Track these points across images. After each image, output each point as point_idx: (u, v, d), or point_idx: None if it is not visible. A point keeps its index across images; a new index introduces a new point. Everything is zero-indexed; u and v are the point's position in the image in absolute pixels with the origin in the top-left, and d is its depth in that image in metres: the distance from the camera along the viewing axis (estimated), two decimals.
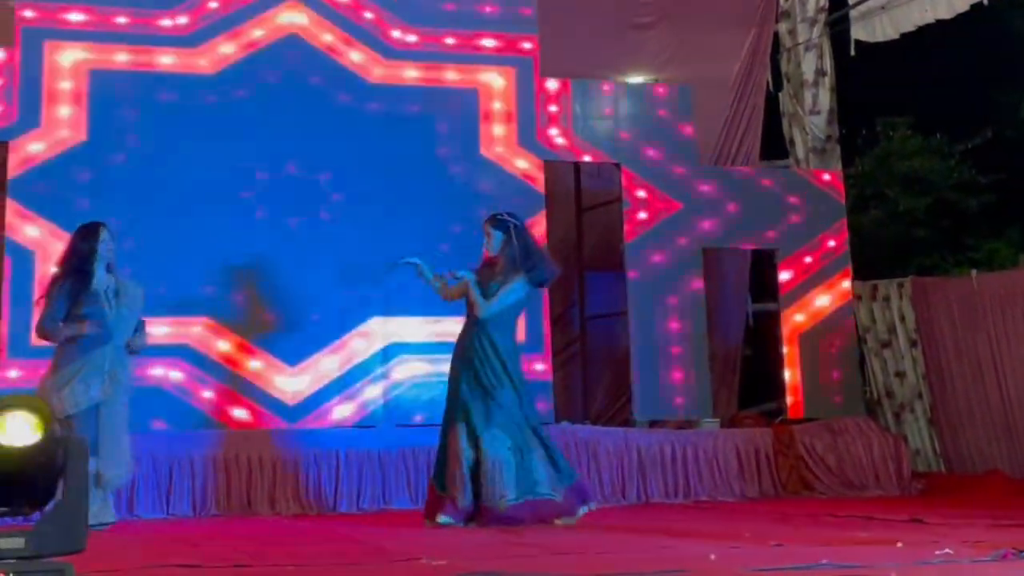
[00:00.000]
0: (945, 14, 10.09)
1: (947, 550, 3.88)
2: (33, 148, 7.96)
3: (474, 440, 6.08)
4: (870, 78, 12.77)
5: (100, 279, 6.29)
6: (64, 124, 8.04)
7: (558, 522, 5.96)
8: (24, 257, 7.81)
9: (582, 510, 6.09)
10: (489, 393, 6.15)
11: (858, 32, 10.82)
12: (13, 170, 7.92)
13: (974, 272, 9.99)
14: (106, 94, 8.13)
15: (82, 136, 8.05)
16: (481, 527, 5.88)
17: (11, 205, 7.86)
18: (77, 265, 6.27)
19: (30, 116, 7.99)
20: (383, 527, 6.18)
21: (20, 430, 2.75)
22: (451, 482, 6.07)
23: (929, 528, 5.34)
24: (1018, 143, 14.25)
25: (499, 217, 6.54)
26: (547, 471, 6.09)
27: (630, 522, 6.21)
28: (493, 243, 6.46)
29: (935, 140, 14.72)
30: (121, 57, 8.24)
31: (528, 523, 5.85)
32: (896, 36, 10.59)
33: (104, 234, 6.35)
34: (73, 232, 6.50)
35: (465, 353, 6.33)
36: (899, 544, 4.26)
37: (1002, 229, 14.45)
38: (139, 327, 6.41)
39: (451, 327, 8.38)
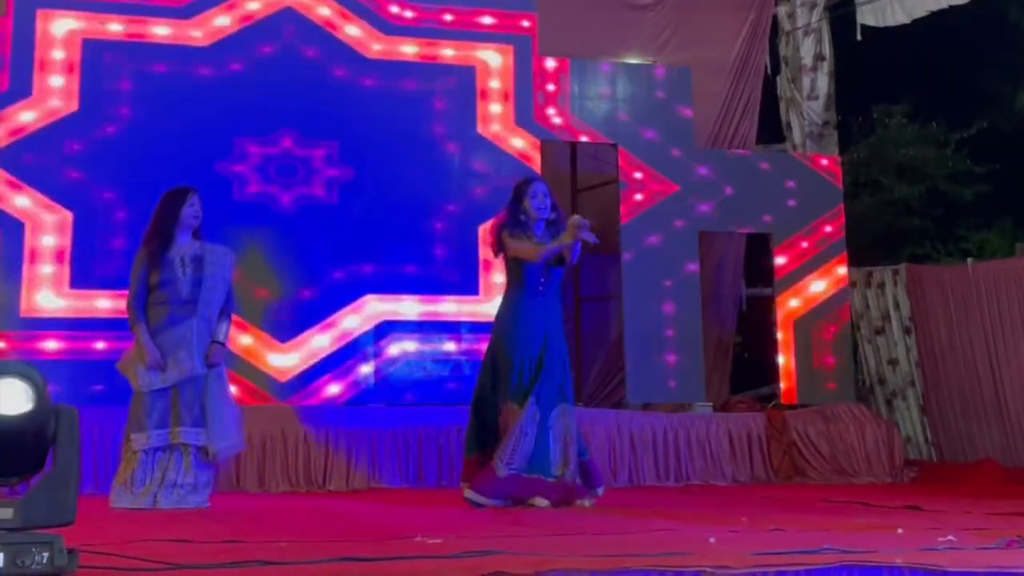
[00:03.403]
0: None
1: (950, 537, 3.84)
2: (24, 117, 7.87)
3: None
4: (867, 65, 12.72)
5: (181, 245, 5.97)
6: (56, 94, 7.95)
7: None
8: (14, 228, 7.73)
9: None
10: None
11: (866, 17, 10.71)
12: (4, 139, 7.84)
13: (970, 260, 9.96)
14: (99, 64, 8.04)
15: (74, 106, 7.96)
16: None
17: (1, 175, 7.77)
18: (155, 231, 5.97)
19: (22, 85, 7.90)
20: (376, 505, 6.14)
21: (11, 397, 2.68)
22: None
23: (927, 515, 5.31)
24: (1013, 134, 14.21)
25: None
26: None
27: (624, 504, 6.16)
28: (550, 203, 6.19)
29: (931, 129, 14.66)
30: (115, 27, 8.15)
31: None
32: (907, 21, 10.48)
33: (191, 198, 6.00)
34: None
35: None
36: (899, 530, 4.22)
37: (994, 220, 14.43)
38: (224, 312, 6.02)
39: (444, 307, 8.38)
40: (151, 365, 5.80)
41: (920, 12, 10.31)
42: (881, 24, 10.66)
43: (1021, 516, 5.10)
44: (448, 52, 8.81)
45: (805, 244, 9.45)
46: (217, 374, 5.99)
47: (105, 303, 7.67)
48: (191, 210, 5.99)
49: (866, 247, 12.58)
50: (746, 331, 11.75)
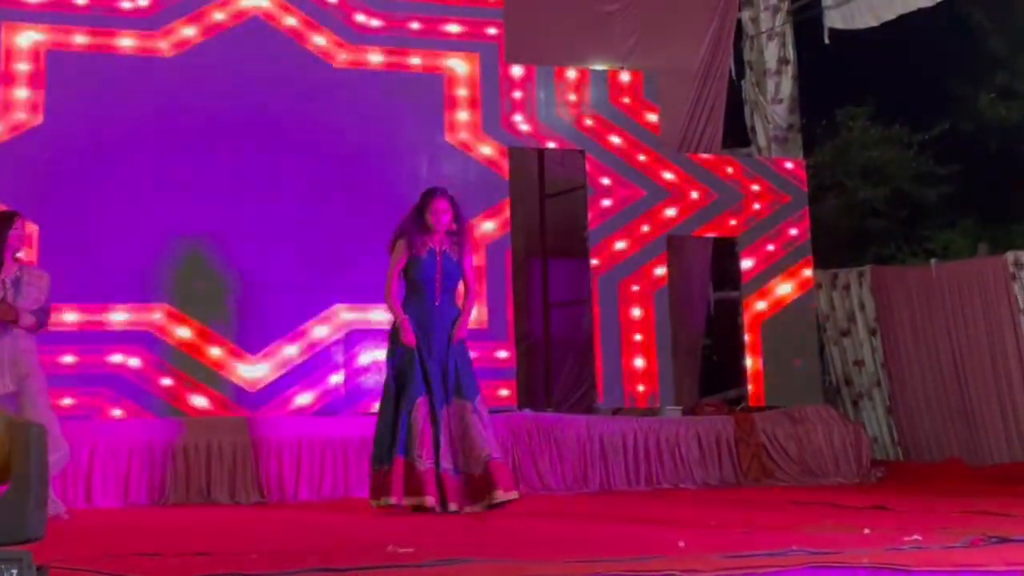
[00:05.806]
0: (927, 2, 10.03)
1: (916, 536, 3.89)
2: None
3: None
4: (831, 68, 12.82)
5: (5, 268, 6.09)
6: (21, 106, 7.90)
7: None
8: None
9: None
10: None
11: (834, 20, 10.74)
12: None
13: (934, 261, 10.07)
14: (64, 76, 7.98)
15: (39, 119, 7.91)
16: None
17: None
18: None
19: None
20: (347, 514, 6.14)
21: None
22: None
23: (894, 515, 5.37)
24: (975, 135, 14.37)
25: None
26: None
27: (594, 509, 6.20)
28: (448, 219, 6.39)
29: (894, 131, 14.82)
30: (80, 39, 8.10)
31: None
32: (876, 24, 10.51)
33: (16, 222, 6.16)
34: None
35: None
36: (866, 530, 4.27)
37: (957, 220, 14.59)
38: (39, 312, 6.16)
39: None
40: None
41: (889, 15, 10.34)
42: (850, 27, 10.70)
43: (986, 515, 5.17)
44: (415, 60, 8.82)
45: (771, 247, 9.52)
46: (38, 388, 6.05)
47: (72, 316, 7.63)
48: (15, 233, 6.14)
49: (831, 249, 12.69)
50: (714, 334, 11.82)
